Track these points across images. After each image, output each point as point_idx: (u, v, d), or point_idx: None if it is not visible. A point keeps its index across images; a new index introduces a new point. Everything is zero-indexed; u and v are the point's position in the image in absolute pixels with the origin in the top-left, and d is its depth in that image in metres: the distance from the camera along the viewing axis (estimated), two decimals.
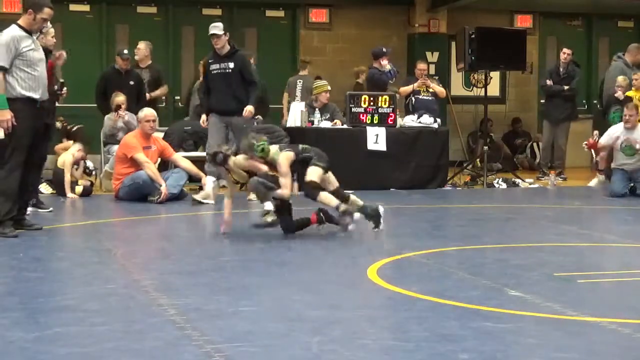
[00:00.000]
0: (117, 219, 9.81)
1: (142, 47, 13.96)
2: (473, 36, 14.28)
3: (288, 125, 13.86)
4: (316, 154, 8.48)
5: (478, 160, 15.49)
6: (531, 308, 5.36)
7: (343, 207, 8.31)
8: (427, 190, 13.26)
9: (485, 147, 14.54)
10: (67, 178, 11.73)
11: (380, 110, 13.47)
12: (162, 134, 12.77)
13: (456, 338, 4.63)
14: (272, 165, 8.28)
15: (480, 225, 9.82)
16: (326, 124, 13.44)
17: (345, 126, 13.47)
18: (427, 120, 13.77)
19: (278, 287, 6.15)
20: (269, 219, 8.20)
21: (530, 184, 14.40)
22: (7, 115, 8.18)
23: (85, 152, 12.42)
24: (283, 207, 8.30)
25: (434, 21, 18.49)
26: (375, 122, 13.42)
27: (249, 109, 11.11)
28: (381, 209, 8.57)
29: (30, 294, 5.80)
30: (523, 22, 19.43)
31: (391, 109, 13.55)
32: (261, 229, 8.18)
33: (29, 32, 8.48)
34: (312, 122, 13.43)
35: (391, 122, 13.52)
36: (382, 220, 8.53)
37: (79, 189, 11.95)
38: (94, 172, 12.69)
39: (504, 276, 6.45)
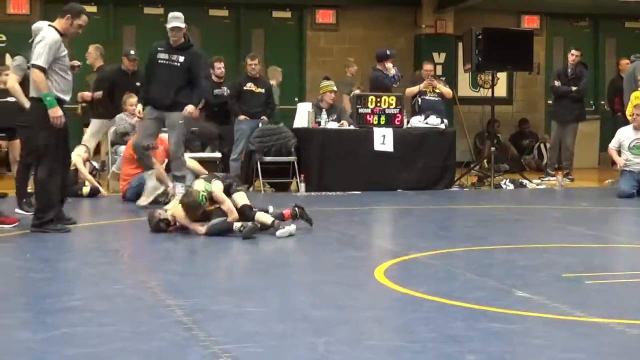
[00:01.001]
0: (124, 219, 9.81)
1: (91, 50, 13.78)
2: (480, 37, 14.27)
3: (295, 126, 13.88)
4: (233, 179, 8.98)
5: (485, 161, 15.49)
6: (538, 309, 5.35)
7: (276, 222, 8.42)
8: (434, 191, 13.25)
9: (493, 148, 14.54)
10: (87, 176, 12.06)
11: (387, 111, 13.47)
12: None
13: (463, 339, 4.62)
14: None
15: (488, 226, 9.81)
16: (333, 125, 13.44)
17: (352, 127, 13.47)
18: (434, 121, 13.76)
19: (284, 288, 6.15)
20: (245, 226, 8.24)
21: (537, 184, 14.39)
22: (59, 112, 8.52)
23: (89, 153, 12.53)
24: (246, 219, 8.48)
25: (441, 22, 18.52)
26: (382, 123, 13.43)
27: (189, 108, 10.59)
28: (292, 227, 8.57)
29: (38, 294, 5.81)
30: (530, 22, 19.44)
31: (398, 109, 13.55)
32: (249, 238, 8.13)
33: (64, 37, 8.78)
34: (319, 123, 13.44)
35: (398, 123, 13.52)
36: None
37: (86, 189, 12.02)
38: (98, 173, 12.75)
39: (511, 277, 6.44)
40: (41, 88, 8.50)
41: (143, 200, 10.75)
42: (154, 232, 8.51)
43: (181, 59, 10.60)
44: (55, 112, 8.49)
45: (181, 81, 10.61)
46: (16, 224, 8.93)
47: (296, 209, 8.74)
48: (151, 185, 10.84)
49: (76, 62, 9.13)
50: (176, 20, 10.64)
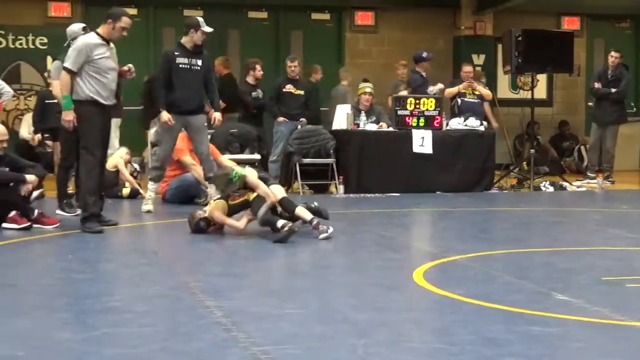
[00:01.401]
0: (163, 220, 9.87)
1: None
2: (519, 38, 14.20)
3: (334, 128, 13.88)
4: (269, 175, 9.06)
5: (525, 163, 15.42)
6: (578, 312, 5.31)
7: (315, 220, 8.39)
8: (473, 193, 13.21)
9: (532, 150, 14.47)
10: (129, 177, 12.31)
11: (426, 113, 13.45)
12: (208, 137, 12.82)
13: (502, 342, 4.60)
14: (240, 187, 8.59)
15: (527, 229, 9.76)
16: (372, 127, 13.44)
17: (391, 129, 13.46)
18: (473, 122, 13.71)
19: (324, 289, 6.16)
20: (286, 228, 8.17)
21: (577, 187, 14.29)
22: (70, 115, 8.77)
23: (130, 154, 12.65)
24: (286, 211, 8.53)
25: (480, 23, 18.44)
26: (421, 124, 13.41)
27: (218, 116, 10.79)
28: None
29: (78, 295, 5.86)
30: (570, 24, 19.30)
31: (437, 111, 13.52)
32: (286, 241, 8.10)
33: (107, 41, 8.97)
34: (358, 125, 13.44)
35: (437, 125, 13.49)
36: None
37: (126, 190, 12.12)
38: (138, 174, 12.84)
39: (550, 280, 6.40)
40: (64, 89, 8.83)
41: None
42: (194, 232, 8.55)
43: (199, 62, 10.68)
44: (67, 115, 8.78)
45: (201, 84, 10.73)
46: (57, 224, 9.02)
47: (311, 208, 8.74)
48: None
49: (126, 67, 9.21)
50: (204, 25, 10.71)
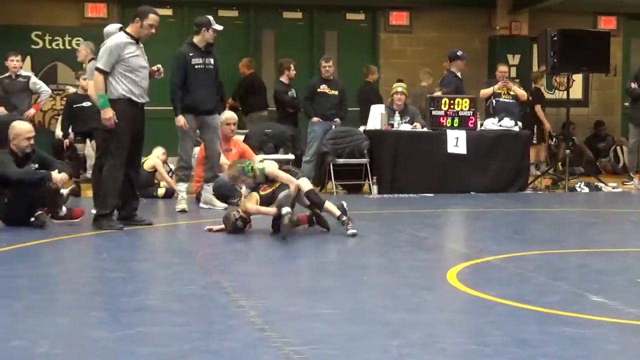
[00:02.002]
0: (197, 220, 9.91)
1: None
2: (555, 38, 14.10)
3: (368, 128, 13.87)
4: (299, 171, 8.95)
5: (560, 163, 15.33)
6: (614, 314, 5.28)
7: (345, 217, 8.41)
8: (507, 193, 13.16)
9: (567, 151, 14.38)
10: (167, 178, 12.44)
11: (460, 114, 13.41)
12: (242, 137, 12.87)
13: (536, 343, 4.58)
14: (262, 180, 8.66)
15: (562, 230, 9.71)
16: (406, 127, 13.41)
17: (425, 129, 13.43)
18: (508, 123, 13.65)
19: (357, 290, 6.15)
20: (291, 218, 8.20)
21: (613, 188, 14.19)
22: (110, 113, 8.84)
23: (167, 154, 12.73)
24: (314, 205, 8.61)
25: (516, 23, 18.36)
26: (456, 125, 13.37)
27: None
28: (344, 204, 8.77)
29: (113, 293, 5.89)
30: (607, 23, 19.14)
31: (471, 112, 13.48)
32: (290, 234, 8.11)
33: (136, 39, 9.06)
34: (392, 125, 13.42)
35: (471, 125, 13.45)
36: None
37: (161, 190, 12.19)
38: (174, 174, 12.89)
39: (585, 281, 6.36)
40: (98, 89, 8.93)
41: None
42: (232, 232, 8.57)
43: (212, 61, 10.77)
44: (106, 114, 8.86)
45: (215, 83, 10.86)
46: (81, 217, 9.28)
47: (313, 218, 8.74)
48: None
49: (155, 67, 9.28)
50: (216, 24, 10.75)
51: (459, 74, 14.62)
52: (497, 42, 18.38)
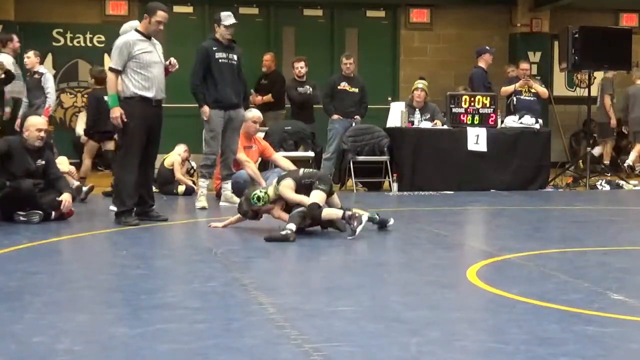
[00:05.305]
0: (217, 217, 9.91)
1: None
2: (576, 35, 14.05)
3: (388, 125, 13.86)
4: (318, 178, 8.56)
5: (581, 161, 15.26)
6: (635, 312, 5.25)
7: (349, 212, 8.25)
8: (527, 191, 13.13)
9: (588, 149, 14.31)
10: (180, 177, 12.43)
11: (481, 111, 13.38)
12: (262, 134, 12.87)
13: (557, 342, 4.56)
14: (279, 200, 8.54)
15: (582, 227, 9.67)
16: (426, 124, 13.40)
17: (445, 126, 13.41)
18: (528, 120, 13.62)
19: (377, 287, 6.15)
20: (286, 232, 8.10)
21: (634, 186, 14.12)
22: (117, 112, 8.91)
23: (189, 152, 12.75)
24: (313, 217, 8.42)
25: (537, 20, 18.32)
26: (476, 122, 13.35)
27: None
28: (391, 221, 8.64)
29: (133, 290, 5.90)
30: (628, 20, 19.08)
31: (492, 109, 13.45)
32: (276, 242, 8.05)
33: (147, 36, 9.15)
34: (412, 123, 13.41)
35: (492, 123, 13.42)
36: (389, 227, 8.60)
37: (181, 188, 12.22)
38: (195, 172, 12.93)
39: (606, 280, 6.33)
40: (110, 88, 9.03)
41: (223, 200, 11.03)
42: (244, 216, 8.64)
43: (235, 56, 10.79)
44: (114, 112, 8.94)
45: (239, 78, 10.84)
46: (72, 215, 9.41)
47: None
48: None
49: (166, 62, 9.31)
50: (232, 17, 10.75)
51: (485, 69, 14.52)
52: (517, 40, 18.34)
